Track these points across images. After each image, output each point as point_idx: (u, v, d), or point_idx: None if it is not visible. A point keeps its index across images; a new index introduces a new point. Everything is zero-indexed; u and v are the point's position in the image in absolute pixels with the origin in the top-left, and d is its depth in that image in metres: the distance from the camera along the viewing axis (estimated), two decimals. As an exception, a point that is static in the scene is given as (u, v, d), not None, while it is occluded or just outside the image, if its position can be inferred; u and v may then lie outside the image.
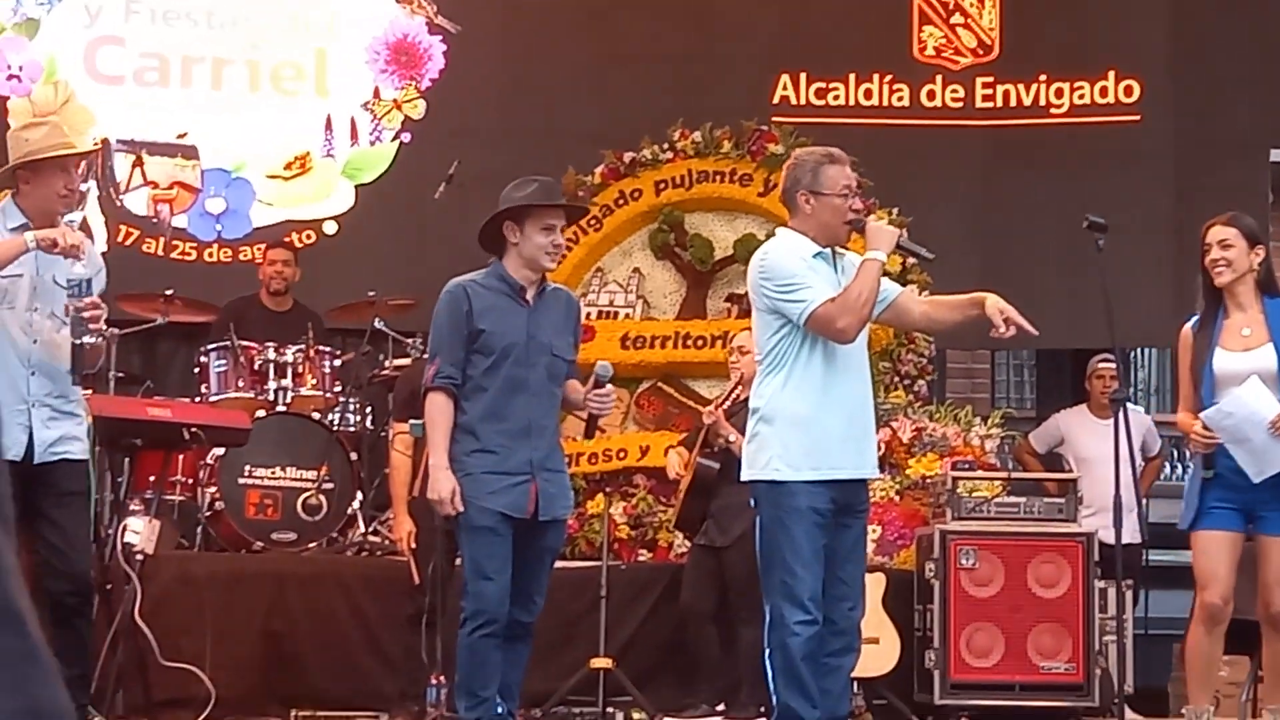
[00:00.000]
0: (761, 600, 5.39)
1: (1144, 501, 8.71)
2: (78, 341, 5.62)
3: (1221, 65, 10.26)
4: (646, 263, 9.60)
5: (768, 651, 5.30)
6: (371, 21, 10.33)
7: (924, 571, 7.44)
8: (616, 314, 9.41)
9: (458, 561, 6.03)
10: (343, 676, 7.42)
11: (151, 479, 7.43)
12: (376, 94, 10.28)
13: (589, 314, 9.10)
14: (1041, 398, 13.91)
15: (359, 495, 8.15)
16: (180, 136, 10.06)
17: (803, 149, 5.84)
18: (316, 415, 8.34)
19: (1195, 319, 6.10)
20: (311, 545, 8.00)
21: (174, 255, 9.97)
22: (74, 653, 5.58)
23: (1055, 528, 7.44)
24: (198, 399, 8.36)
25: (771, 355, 5.35)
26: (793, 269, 5.30)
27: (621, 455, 8.85)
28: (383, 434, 8.31)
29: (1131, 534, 7.81)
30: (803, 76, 10.33)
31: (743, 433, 5.87)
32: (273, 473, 8.00)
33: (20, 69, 9.92)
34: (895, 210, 8.74)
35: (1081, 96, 10.29)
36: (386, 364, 8.59)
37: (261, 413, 8.09)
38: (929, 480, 8.14)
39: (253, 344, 8.39)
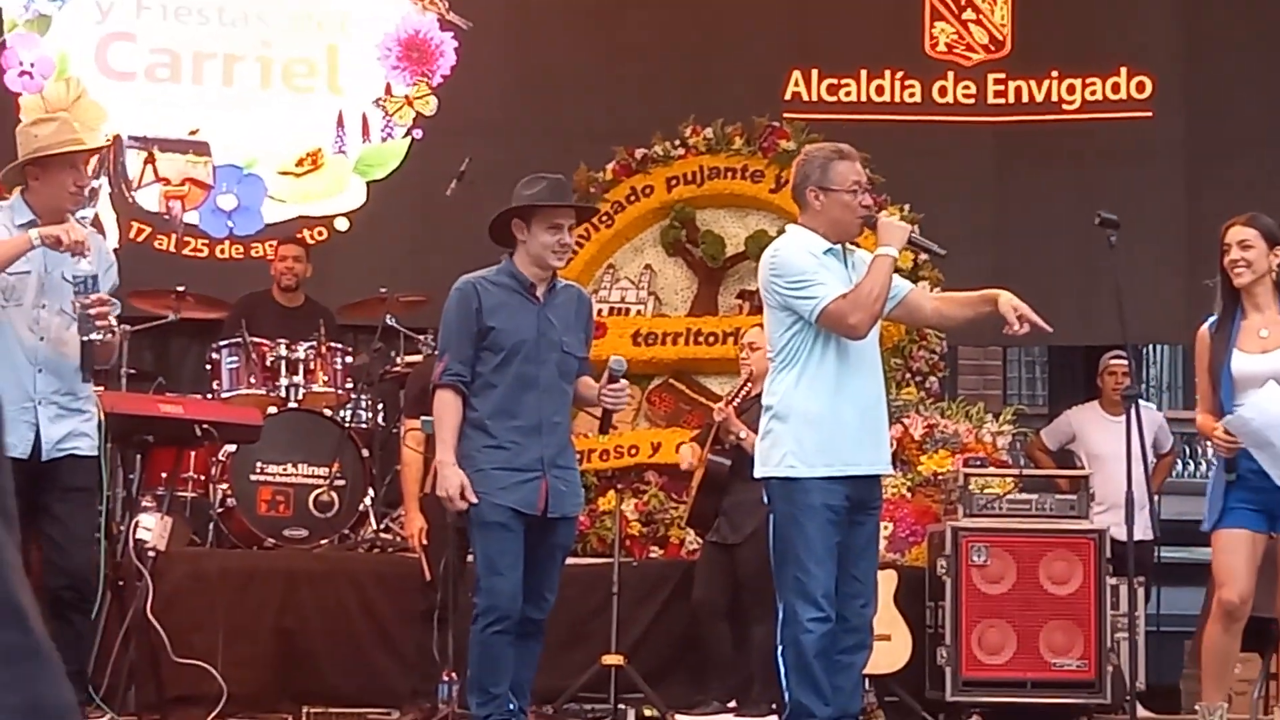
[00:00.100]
0: (774, 597, 5.39)
1: (1156, 498, 8.72)
2: (86, 338, 5.61)
3: (1233, 61, 10.23)
4: (658, 259, 9.58)
5: (780, 648, 5.30)
6: (383, 18, 10.33)
7: (935, 568, 7.42)
8: (628, 310, 9.39)
9: (469, 558, 6.01)
10: (354, 673, 7.41)
11: (163, 476, 7.46)
12: (388, 90, 10.28)
13: (600, 310, 9.07)
14: (1053, 394, 13.86)
15: (370, 492, 8.14)
16: (192, 133, 10.07)
17: (812, 145, 5.83)
18: (328, 412, 8.34)
19: (1213, 320, 6.03)
20: (323, 542, 8.00)
21: (186, 252, 9.97)
22: (71, 649, 5.55)
23: (1067, 524, 7.41)
24: (209, 395, 8.37)
25: (784, 352, 5.34)
26: (803, 266, 5.29)
27: (633, 452, 8.83)
28: (394, 430, 8.30)
29: (1143, 531, 7.83)
30: (814, 73, 10.33)
31: (754, 429, 5.86)
32: (284, 469, 8.01)
33: (32, 65, 9.93)
34: (907, 206, 8.72)
35: (1093, 93, 10.27)
36: (398, 360, 8.58)
37: (273, 409, 8.09)
38: (940, 477, 8.12)
39: (264, 341, 8.39)
